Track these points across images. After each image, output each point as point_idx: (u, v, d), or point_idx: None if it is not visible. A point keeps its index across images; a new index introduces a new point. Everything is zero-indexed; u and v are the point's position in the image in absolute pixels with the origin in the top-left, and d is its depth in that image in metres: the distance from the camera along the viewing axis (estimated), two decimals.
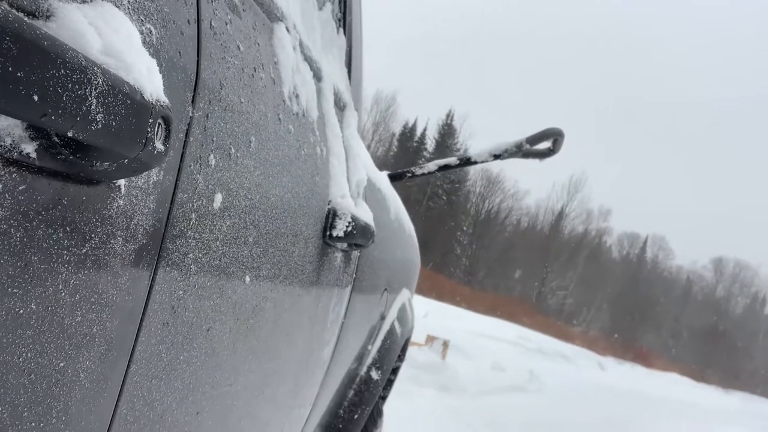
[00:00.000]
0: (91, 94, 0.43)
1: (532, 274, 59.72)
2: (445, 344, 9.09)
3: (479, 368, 8.84)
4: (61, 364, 0.54)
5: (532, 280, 60.03)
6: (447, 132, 54.67)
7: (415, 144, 52.85)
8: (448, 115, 55.05)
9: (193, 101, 0.68)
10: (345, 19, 1.58)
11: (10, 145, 0.44)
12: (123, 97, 0.47)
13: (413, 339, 8.49)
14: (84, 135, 0.44)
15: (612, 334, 52.09)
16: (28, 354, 0.50)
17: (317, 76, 1.21)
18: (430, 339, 9.16)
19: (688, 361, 55.71)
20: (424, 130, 54.93)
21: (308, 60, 1.14)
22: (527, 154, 2.39)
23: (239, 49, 0.81)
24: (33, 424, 0.52)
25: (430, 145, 54.95)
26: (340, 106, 1.42)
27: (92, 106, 0.43)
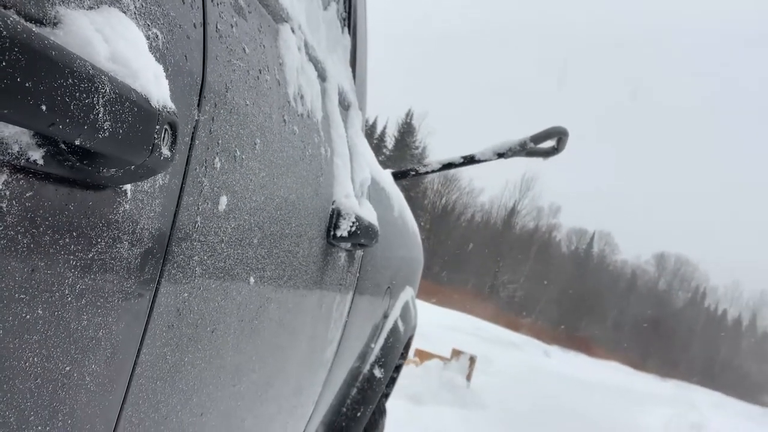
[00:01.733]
0: (98, 103, 0.43)
1: (485, 268, 61.86)
2: (472, 360, 8.39)
3: (439, 354, 9.02)
4: (67, 368, 0.54)
5: (485, 273, 62.15)
6: (406, 131, 56.75)
7: (375, 142, 54.02)
8: (407, 115, 57.24)
9: (199, 105, 0.68)
10: (350, 18, 1.58)
11: (18, 152, 0.44)
12: (130, 105, 0.47)
13: (436, 351, 8.45)
14: (91, 143, 0.44)
15: (559, 326, 54.38)
16: (35, 358, 0.50)
17: (322, 76, 1.21)
18: (456, 353, 8.48)
19: (629, 351, 58.12)
20: (384, 128, 56.64)
21: (313, 60, 1.14)
22: (531, 153, 2.39)
23: (245, 51, 0.81)
24: (39, 427, 0.53)
25: (389, 143, 57.07)
26: (344, 106, 1.42)
27: (100, 115, 0.43)
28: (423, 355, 8.61)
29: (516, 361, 13.24)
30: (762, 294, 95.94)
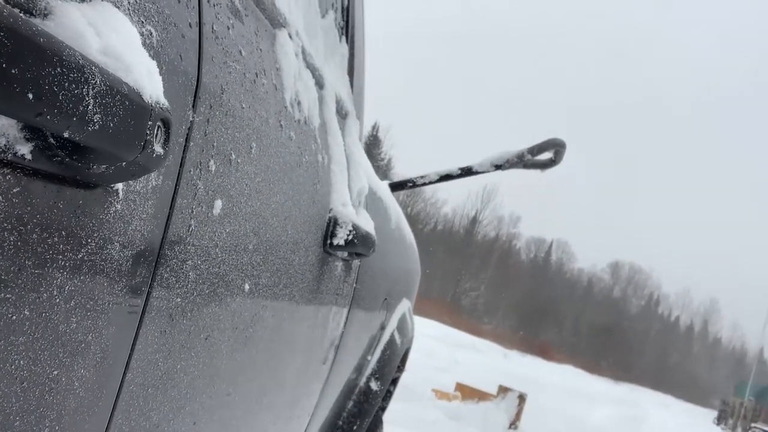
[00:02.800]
0: (88, 94, 0.42)
1: (448, 277, 64.24)
2: (522, 398, 7.70)
3: (414, 355, 9.17)
4: (55, 372, 0.53)
5: (448, 281, 64.55)
6: (372, 143, 58.35)
7: None
8: (373, 127, 58.91)
9: (193, 105, 0.67)
10: (347, 26, 1.57)
11: (5, 146, 0.42)
12: (121, 98, 0.45)
13: (481, 388, 8.25)
14: (81, 136, 0.43)
15: (518, 331, 57.65)
16: (21, 361, 0.48)
17: (319, 84, 1.20)
18: (503, 390, 7.91)
19: (584, 356, 62.29)
20: None
21: (310, 67, 1.13)
22: (529, 165, 2.38)
23: (241, 54, 0.80)
24: None
25: None
26: (341, 114, 1.41)
27: (89, 106, 0.42)
28: (465, 391, 8.16)
29: (478, 364, 14.54)
30: (712, 301, 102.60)
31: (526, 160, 2.35)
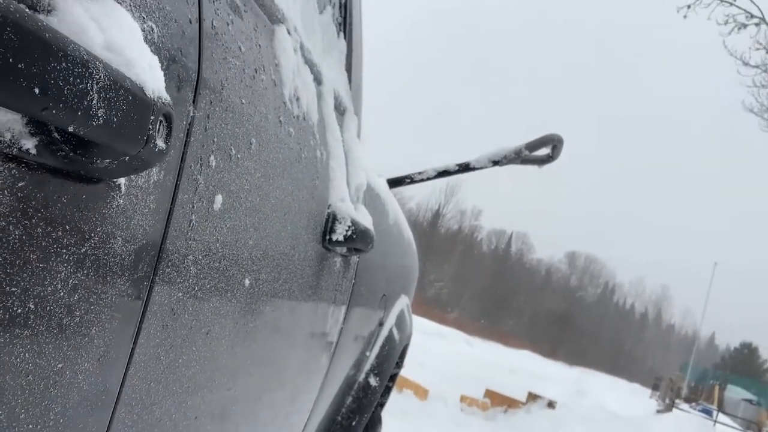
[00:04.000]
0: (92, 89, 0.42)
1: None
2: (551, 405, 7.88)
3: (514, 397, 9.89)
4: (60, 366, 0.53)
5: None
6: None
7: None
8: None
9: (194, 101, 0.67)
10: (345, 23, 1.58)
11: (10, 140, 0.43)
12: (125, 93, 0.46)
13: (511, 395, 8.35)
14: (85, 130, 0.43)
15: (480, 319, 60.71)
16: (26, 354, 0.49)
17: (317, 80, 1.21)
18: (532, 397, 8.06)
19: (542, 342, 65.76)
20: None
21: (309, 63, 1.14)
22: (526, 161, 2.38)
23: (240, 50, 0.80)
24: (30, 426, 0.51)
25: None
26: (340, 110, 1.41)
27: (94, 101, 0.42)
28: (495, 398, 8.21)
29: (444, 349, 16.04)
30: (663, 288, 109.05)
31: (523, 155, 2.35)
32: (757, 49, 12.32)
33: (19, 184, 0.44)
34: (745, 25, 12.18)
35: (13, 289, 0.46)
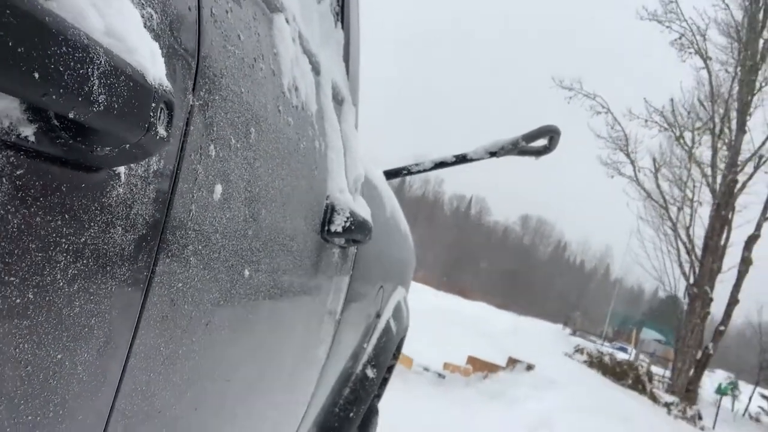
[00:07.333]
0: (93, 74, 0.41)
1: None
2: (530, 369, 8.39)
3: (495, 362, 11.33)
4: (59, 356, 0.52)
5: None
6: None
7: None
8: None
9: (193, 90, 0.66)
10: (343, 13, 1.56)
11: (9, 127, 0.42)
12: (126, 79, 0.45)
13: (491, 360, 8.64)
14: (85, 117, 0.42)
15: (443, 277, 70.06)
16: (26, 345, 0.48)
17: (316, 70, 1.20)
18: (512, 362, 8.52)
19: (497, 295, 74.95)
20: None
21: (307, 52, 1.13)
22: (523, 152, 2.38)
23: (240, 38, 0.79)
24: (30, 417, 0.51)
25: None
26: (338, 101, 1.41)
27: (94, 87, 0.41)
28: (476, 364, 8.54)
29: (412, 301, 19.16)
30: (607, 247, 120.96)
31: (520, 146, 2.35)
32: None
33: (18, 172, 0.44)
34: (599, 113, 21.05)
35: (12, 279, 0.45)
